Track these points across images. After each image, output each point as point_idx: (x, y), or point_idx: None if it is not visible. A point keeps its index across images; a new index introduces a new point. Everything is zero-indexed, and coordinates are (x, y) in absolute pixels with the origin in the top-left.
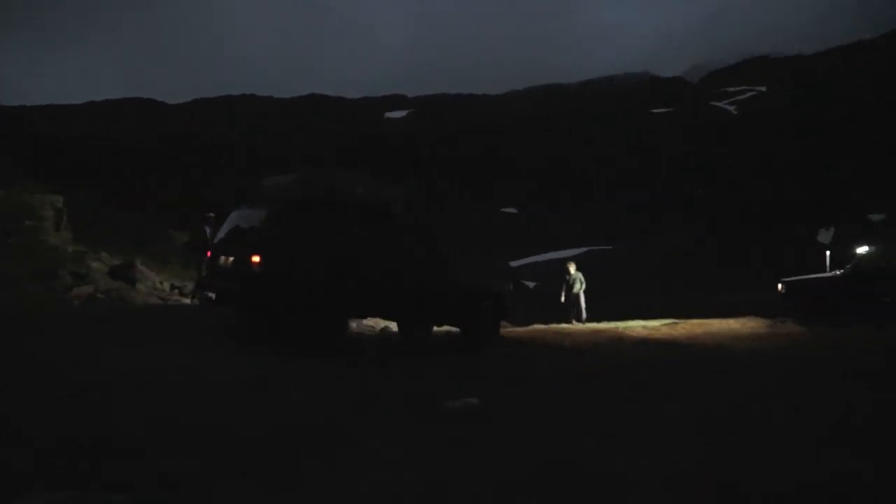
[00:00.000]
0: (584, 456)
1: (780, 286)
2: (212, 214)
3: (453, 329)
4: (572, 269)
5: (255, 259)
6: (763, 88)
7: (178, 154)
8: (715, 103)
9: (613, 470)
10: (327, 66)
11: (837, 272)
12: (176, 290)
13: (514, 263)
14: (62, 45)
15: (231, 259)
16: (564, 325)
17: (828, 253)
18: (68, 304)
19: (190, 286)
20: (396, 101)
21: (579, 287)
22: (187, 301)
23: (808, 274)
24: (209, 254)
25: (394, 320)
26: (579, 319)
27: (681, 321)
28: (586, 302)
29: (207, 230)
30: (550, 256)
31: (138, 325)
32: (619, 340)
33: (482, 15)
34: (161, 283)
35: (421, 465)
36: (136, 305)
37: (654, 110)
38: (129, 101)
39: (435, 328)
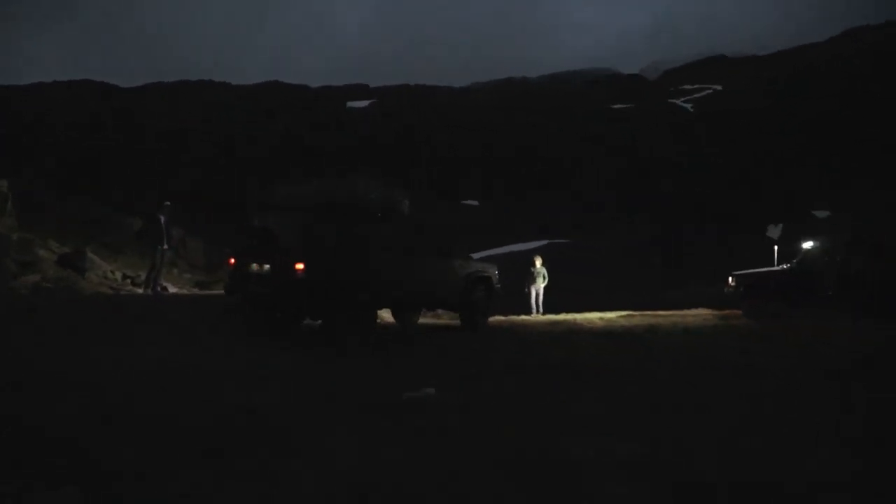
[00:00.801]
0: (533, 446)
1: (730, 279)
2: (167, 203)
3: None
4: (538, 262)
5: (299, 266)
6: (719, 87)
7: (132, 139)
8: (673, 101)
9: (567, 460)
10: (286, 52)
11: (785, 266)
12: (128, 280)
13: (474, 255)
14: (6, 21)
15: (267, 266)
16: (524, 317)
17: (776, 248)
18: (14, 294)
19: (143, 276)
20: (358, 90)
21: (542, 281)
22: (139, 291)
23: (757, 268)
24: (232, 261)
25: (407, 311)
26: (538, 311)
27: (636, 313)
28: (545, 295)
29: (163, 219)
30: (510, 249)
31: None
32: (576, 332)
33: (444, 6)
34: (112, 272)
35: (368, 454)
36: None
37: (615, 106)
38: (79, 83)
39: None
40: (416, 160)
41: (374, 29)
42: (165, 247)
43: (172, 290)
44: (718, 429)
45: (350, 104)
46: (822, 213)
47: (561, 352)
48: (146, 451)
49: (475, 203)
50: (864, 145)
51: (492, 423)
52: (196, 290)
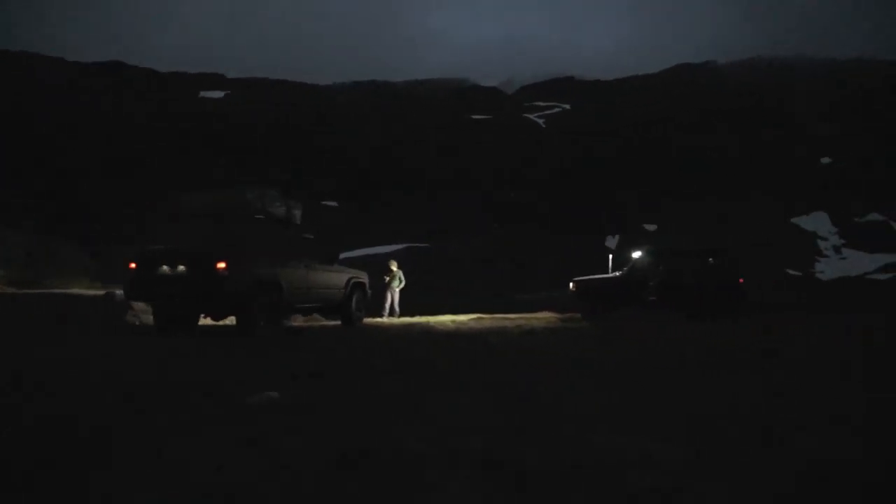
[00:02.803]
0: (378, 444)
1: (571, 285)
2: None
3: None
4: (394, 266)
5: (221, 265)
6: (568, 106)
7: None
8: (527, 115)
9: (407, 456)
10: (132, 31)
11: (617, 273)
12: None
13: None
14: None
15: (182, 267)
16: (378, 319)
17: (610, 256)
18: None
19: None
20: (214, 80)
21: (398, 284)
22: None
23: (595, 274)
24: (132, 265)
25: (304, 313)
26: (392, 314)
27: (486, 316)
28: (400, 297)
29: None
30: (369, 252)
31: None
32: (428, 333)
33: (309, 4)
34: None
35: (196, 461)
36: None
37: (475, 116)
38: None
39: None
40: (274, 157)
41: (228, 17)
42: None
43: None
44: (556, 420)
45: (204, 94)
46: (651, 227)
47: (412, 352)
48: None
49: (334, 204)
50: (688, 167)
51: (335, 423)
52: (12, 290)
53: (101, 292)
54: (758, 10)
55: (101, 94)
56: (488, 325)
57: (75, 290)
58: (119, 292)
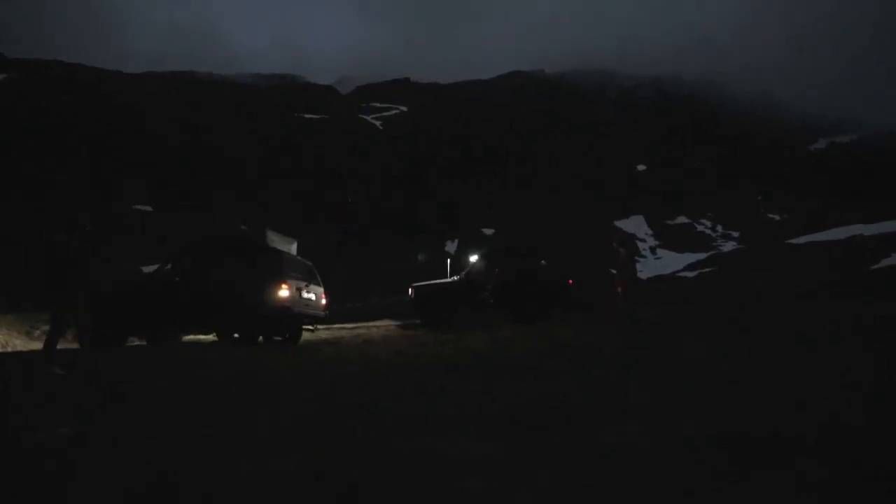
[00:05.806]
0: (175, 476)
1: (410, 291)
2: None
3: None
4: None
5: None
6: (405, 108)
7: None
8: (363, 116)
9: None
10: None
11: (455, 278)
12: None
13: (148, 269)
14: None
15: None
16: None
17: (449, 261)
18: None
19: None
20: None
21: None
22: None
23: (434, 279)
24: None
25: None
26: None
27: (321, 326)
28: None
29: None
30: None
31: None
32: (257, 346)
33: None
34: None
35: None
36: None
37: (307, 115)
38: None
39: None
40: (72, 152)
41: None
42: None
43: None
44: (382, 428)
45: None
46: (488, 230)
47: (236, 365)
48: None
49: (148, 209)
50: (518, 170)
51: (132, 458)
52: None
53: None
54: (584, 24)
55: None
56: (323, 336)
57: None
58: None
